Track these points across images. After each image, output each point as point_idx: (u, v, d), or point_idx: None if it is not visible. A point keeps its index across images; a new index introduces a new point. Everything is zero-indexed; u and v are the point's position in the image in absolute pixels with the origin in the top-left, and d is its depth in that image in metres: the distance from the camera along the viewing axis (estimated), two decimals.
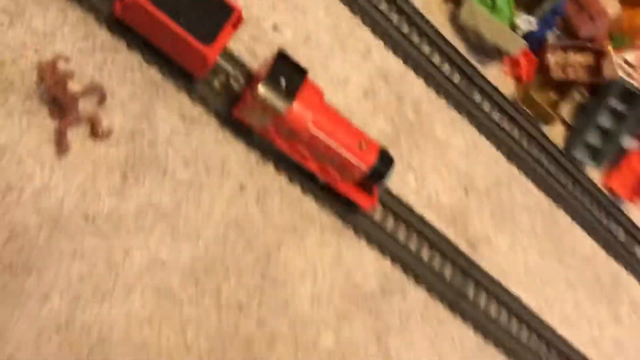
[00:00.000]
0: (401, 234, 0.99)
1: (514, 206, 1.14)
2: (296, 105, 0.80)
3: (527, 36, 1.16)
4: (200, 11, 0.78)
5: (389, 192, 0.98)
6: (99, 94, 0.79)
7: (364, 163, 0.85)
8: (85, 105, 0.78)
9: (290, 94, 0.80)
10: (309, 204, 0.92)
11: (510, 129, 1.17)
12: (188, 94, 0.86)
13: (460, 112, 1.13)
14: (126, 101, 0.81)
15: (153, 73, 0.84)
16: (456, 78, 1.13)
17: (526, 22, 1.16)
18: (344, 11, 1.05)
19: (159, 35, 0.79)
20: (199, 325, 0.80)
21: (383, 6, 1.08)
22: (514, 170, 1.16)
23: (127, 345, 0.75)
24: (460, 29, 1.18)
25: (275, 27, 0.97)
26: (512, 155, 1.16)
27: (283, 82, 0.79)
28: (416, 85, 1.10)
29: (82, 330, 0.72)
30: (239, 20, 0.82)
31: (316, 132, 0.82)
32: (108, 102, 0.80)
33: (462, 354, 0.99)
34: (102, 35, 0.82)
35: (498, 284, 1.06)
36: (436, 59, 1.12)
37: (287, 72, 0.80)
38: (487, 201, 1.11)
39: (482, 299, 1.04)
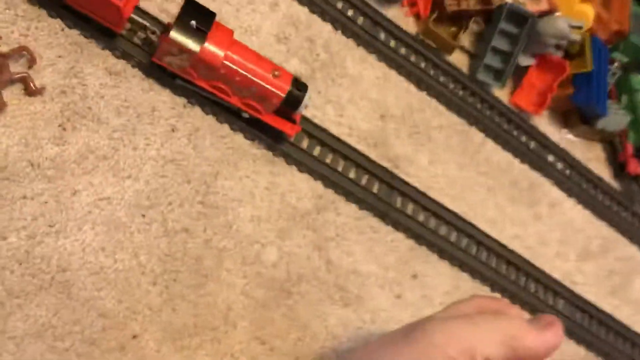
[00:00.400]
0: (328, 159, 1.09)
1: (429, 128, 1.26)
2: (209, 43, 0.90)
3: None
4: None
5: (312, 123, 1.09)
6: (27, 56, 0.87)
7: (279, 90, 0.95)
8: (17, 68, 0.86)
9: (201, 34, 0.89)
10: (239, 139, 1.02)
11: (416, 61, 1.29)
12: (111, 50, 0.94)
13: (368, 51, 1.24)
14: (54, 62, 0.90)
15: (75, 35, 0.93)
16: (360, 20, 1.25)
17: None
18: None
19: None
20: (150, 250, 0.88)
21: None
22: (424, 96, 1.28)
23: (86, 271, 0.83)
24: None
25: None
26: (422, 84, 1.28)
27: (194, 24, 0.89)
28: (324, 29, 1.20)
29: (42, 261, 0.80)
30: None
31: (231, 66, 0.92)
32: (37, 64, 0.88)
33: (398, 255, 1.10)
34: (23, 5, 0.90)
35: (423, 194, 1.17)
36: (339, 4, 1.23)
37: (197, 16, 0.90)
38: (403, 125, 1.22)
39: (410, 209, 1.15)
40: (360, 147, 1.14)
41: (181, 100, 0.98)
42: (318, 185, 1.07)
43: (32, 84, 0.86)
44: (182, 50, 0.89)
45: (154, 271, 0.88)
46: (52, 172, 0.85)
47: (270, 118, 0.99)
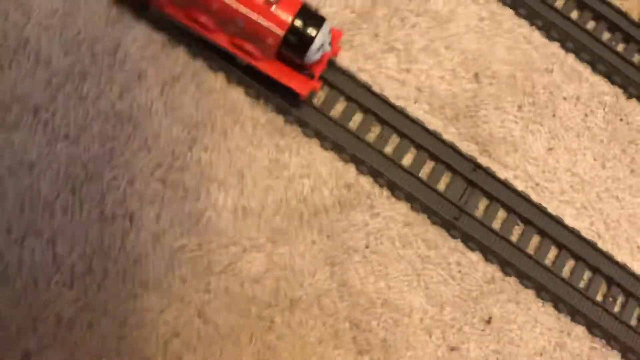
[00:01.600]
0: (372, 133, 0.75)
1: (556, 97, 0.83)
2: None
3: None
4: None
5: (353, 78, 0.75)
6: None
7: (276, 24, 0.63)
8: None
9: None
10: (236, 95, 0.72)
11: None
12: None
13: None
14: None
15: None
16: None
17: None
18: None
19: None
20: (71, 239, 0.64)
21: None
22: (555, 49, 0.85)
23: None
24: None
25: None
26: (553, 30, 0.84)
27: None
28: None
29: None
30: None
31: None
32: None
33: (465, 285, 0.73)
34: None
35: (525, 198, 0.77)
36: None
37: None
38: (510, 90, 0.81)
39: (498, 218, 0.76)
40: (431, 119, 0.78)
41: (159, 38, 0.72)
42: (349, 170, 0.73)
43: None
44: None
45: (74, 271, 0.64)
46: None
47: (274, 67, 0.68)
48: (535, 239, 0.77)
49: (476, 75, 0.81)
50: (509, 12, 0.85)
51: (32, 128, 0.65)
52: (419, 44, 0.80)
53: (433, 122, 0.77)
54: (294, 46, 0.64)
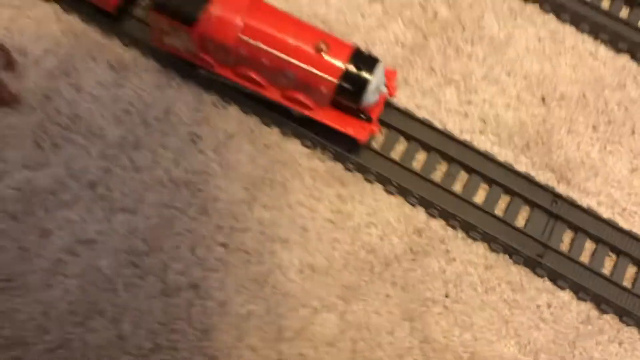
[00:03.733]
0: (438, 171, 0.71)
1: (634, 114, 0.76)
2: (211, 10, 0.59)
3: None
4: None
5: (412, 117, 0.71)
6: (4, 57, 0.67)
7: (328, 72, 0.60)
8: None
9: None
10: (292, 147, 0.69)
11: (613, 9, 0.80)
12: (118, 36, 0.70)
13: None
14: (40, 58, 0.69)
15: (72, 22, 0.71)
16: None
17: None
18: None
19: None
20: (138, 317, 0.61)
21: None
22: (626, 63, 0.78)
23: None
24: None
25: None
26: (621, 43, 0.79)
27: None
28: None
29: None
30: None
31: (250, 41, 0.60)
32: (19, 61, 0.68)
33: (560, 329, 0.66)
34: None
35: (613, 227, 0.70)
36: None
37: None
38: (583, 111, 0.75)
39: (585, 250, 0.70)
40: (500, 150, 0.72)
41: (209, 98, 0.70)
42: (417, 214, 0.69)
43: (4, 92, 0.66)
44: (173, 24, 0.60)
45: (140, 345, 0.61)
46: (19, 208, 0.63)
47: (329, 115, 0.65)
48: (631, 270, 0.69)
49: (543, 99, 0.75)
50: (570, 29, 0.79)
51: (89, 204, 0.64)
52: (477, 73, 0.75)
53: (503, 154, 0.72)
54: (348, 92, 0.61)
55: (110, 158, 0.66)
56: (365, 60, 0.61)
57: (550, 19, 0.80)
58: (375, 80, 0.60)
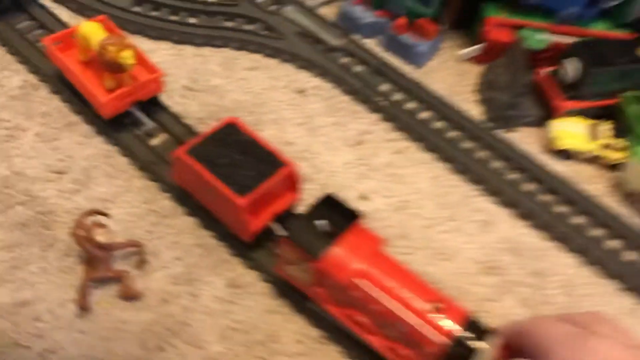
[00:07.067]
0: None
1: None
2: (336, 251, 0.64)
3: None
4: (247, 166, 0.72)
5: None
6: (138, 253, 0.73)
7: (437, 335, 0.60)
8: (123, 265, 0.73)
9: (329, 237, 0.64)
10: None
11: None
12: (243, 259, 0.76)
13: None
14: (169, 264, 0.74)
15: (206, 237, 0.77)
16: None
17: None
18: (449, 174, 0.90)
19: (203, 192, 0.74)
20: None
21: (512, 176, 0.90)
22: None
23: None
24: (629, 195, 0.91)
25: (363, 197, 0.85)
26: None
27: (323, 223, 0.65)
28: (561, 258, 0.83)
29: None
30: (292, 177, 0.74)
31: (365, 287, 0.63)
32: (148, 265, 0.73)
33: None
34: (162, 200, 0.80)
35: None
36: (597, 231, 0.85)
37: (331, 216, 0.66)
38: None
39: None
40: None
41: (314, 333, 0.71)
42: None
43: (128, 286, 0.70)
44: (300, 256, 0.65)
45: None
46: None
47: None
48: None
49: None
50: None
51: None
52: None
53: None
54: (455, 358, 0.60)
55: None
56: (478, 330, 0.61)
57: None
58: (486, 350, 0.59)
